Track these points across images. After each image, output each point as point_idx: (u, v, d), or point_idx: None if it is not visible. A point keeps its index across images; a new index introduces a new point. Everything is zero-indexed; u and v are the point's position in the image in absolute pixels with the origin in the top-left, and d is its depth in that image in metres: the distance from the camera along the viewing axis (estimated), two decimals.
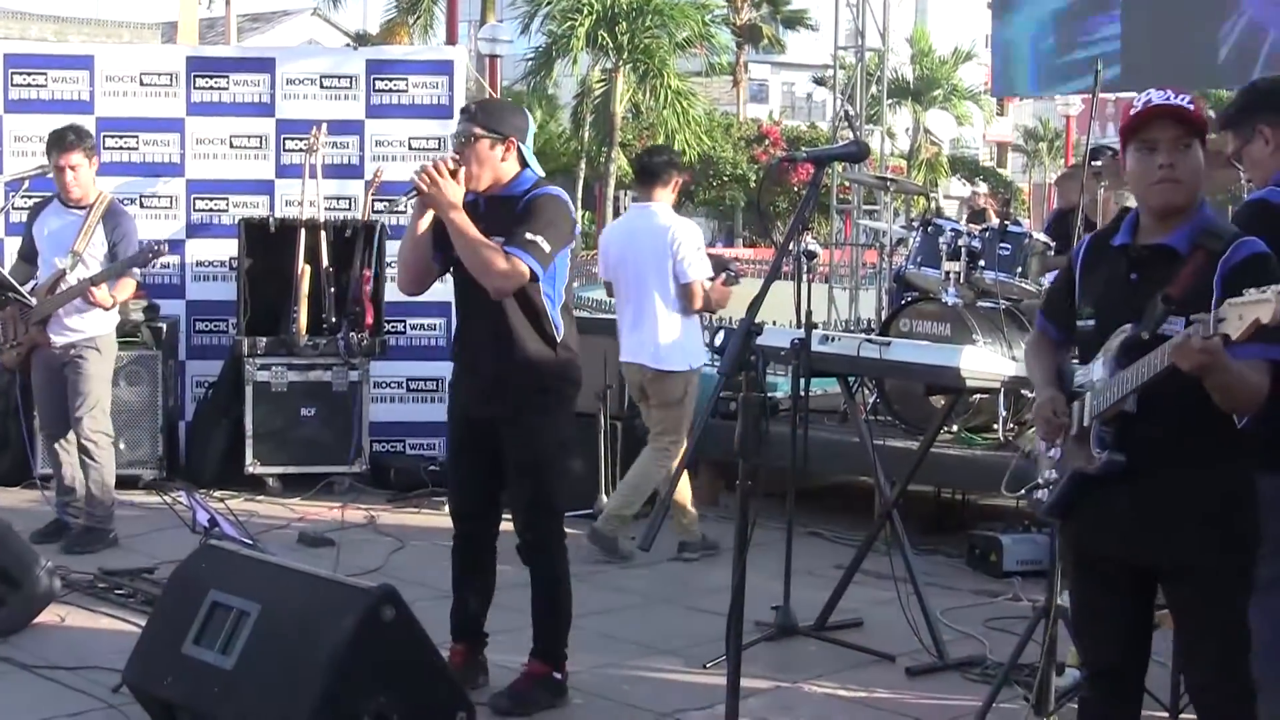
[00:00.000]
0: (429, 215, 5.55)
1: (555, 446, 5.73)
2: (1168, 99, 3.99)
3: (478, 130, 5.54)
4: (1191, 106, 3.99)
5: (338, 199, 10.45)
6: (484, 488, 5.78)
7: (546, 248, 5.48)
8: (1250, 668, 4.09)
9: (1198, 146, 4.00)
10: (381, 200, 10.14)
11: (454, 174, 5.44)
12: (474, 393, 5.71)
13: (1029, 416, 8.62)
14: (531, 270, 5.44)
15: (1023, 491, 4.43)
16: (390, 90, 10.58)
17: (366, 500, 9.42)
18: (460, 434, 5.87)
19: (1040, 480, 4.27)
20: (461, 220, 5.42)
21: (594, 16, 34.99)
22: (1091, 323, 4.15)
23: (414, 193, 5.48)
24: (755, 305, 4.09)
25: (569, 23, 35.44)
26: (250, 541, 7.09)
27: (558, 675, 5.75)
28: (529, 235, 5.45)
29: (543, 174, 5.78)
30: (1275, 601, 4.63)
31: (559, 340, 5.67)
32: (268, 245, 9.96)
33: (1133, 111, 4.03)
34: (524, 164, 5.67)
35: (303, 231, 9.90)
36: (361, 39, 41.88)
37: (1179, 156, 3.97)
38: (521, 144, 5.65)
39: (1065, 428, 4.13)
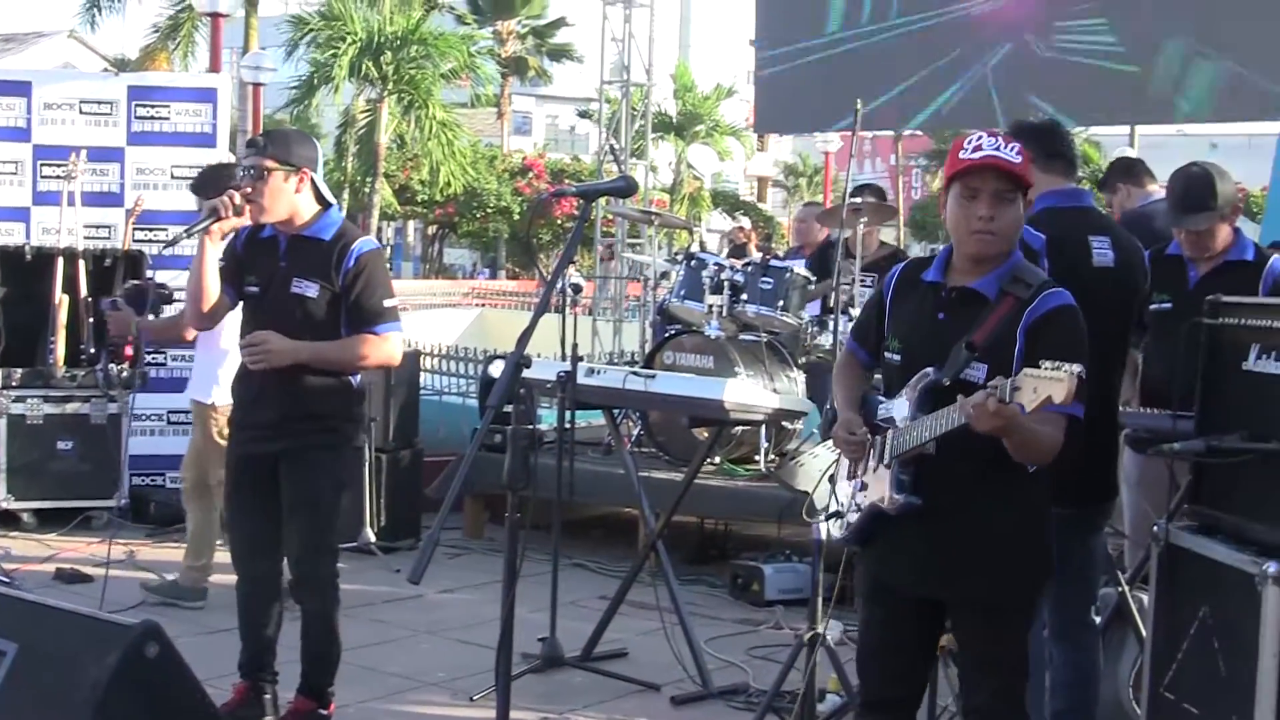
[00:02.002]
0: (221, 246, 5.50)
1: (334, 485, 5.66)
2: (997, 150, 4.03)
3: (269, 163, 5.44)
4: (1019, 159, 4.05)
5: (97, 227, 10.23)
6: (266, 526, 5.65)
7: (393, 303, 5.53)
8: (1025, 695, 4.25)
9: (1020, 200, 4.07)
10: (143, 229, 9.95)
11: (240, 210, 5.40)
12: (257, 429, 5.60)
13: (789, 448, 8.87)
14: (398, 336, 5.58)
15: (822, 518, 4.51)
16: (152, 117, 10.41)
17: (126, 535, 9.20)
18: (240, 471, 5.73)
19: (839, 509, 4.36)
20: (333, 349, 5.45)
21: (358, 46, 34.69)
22: (898, 357, 4.23)
23: (207, 223, 5.41)
24: (525, 337, 4.11)
25: (333, 51, 35.07)
26: (5, 579, 6.90)
27: (324, 712, 5.70)
28: (385, 303, 5.50)
29: (335, 202, 5.73)
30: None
31: (354, 385, 5.65)
32: (24, 274, 9.71)
33: (961, 155, 4.07)
34: (319, 197, 5.60)
35: (60, 260, 9.65)
36: (120, 64, 40.92)
37: (999, 209, 4.04)
38: (313, 174, 5.59)
39: (865, 451, 4.20)
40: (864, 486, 4.24)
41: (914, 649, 4.30)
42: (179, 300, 7.30)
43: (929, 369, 4.05)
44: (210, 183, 7.56)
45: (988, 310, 4.05)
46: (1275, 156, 10.09)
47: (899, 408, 4.13)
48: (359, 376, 5.65)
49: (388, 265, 5.71)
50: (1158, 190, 7.65)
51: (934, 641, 4.35)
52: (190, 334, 7.16)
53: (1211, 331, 4.68)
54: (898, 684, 4.31)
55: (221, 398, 7.09)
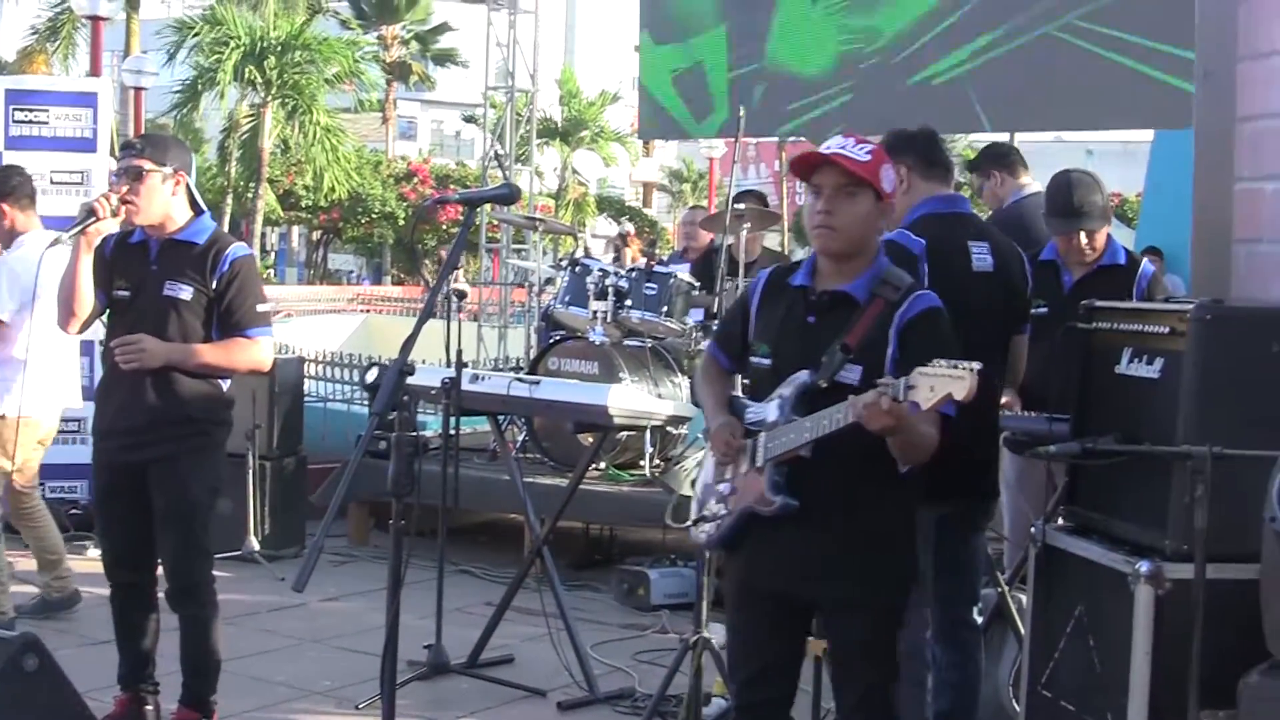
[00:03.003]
0: (94, 247, 5.45)
1: (208, 490, 5.61)
2: (843, 149, 4.11)
3: (146, 164, 5.42)
4: (865, 158, 4.10)
5: None
6: (137, 534, 5.57)
7: (265, 309, 5.54)
8: (894, 697, 4.30)
9: (866, 195, 4.10)
10: None
11: (117, 210, 5.35)
12: (125, 436, 5.53)
13: (674, 453, 8.91)
14: (269, 339, 5.60)
15: (689, 523, 4.50)
16: (30, 121, 10.23)
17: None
18: (108, 480, 5.65)
19: (707, 513, 4.35)
20: (206, 351, 5.43)
21: (242, 50, 34.37)
22: (767, 361, 4.25)
23: (85, 224, 5.36)
24: (408, 345, 4.10)
25: (216, 56, 34.73)
26: None
27: None
28: (258, 308, 5.52)
29: (208, 211, 5.71)
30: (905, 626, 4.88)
31: (224, 389, 5.62)
32: None
33: (799, 154, 4.17)
34: (193, 202, 5.58)
35: None
36: None
37: (838, 204, 4.10)
38: (187, 178, 5.58)
39: (739, 456, 4.22)
40: (734, 490, 4.26)
41: (783, 651, 4.33)
42: None
43: (803, 372, 4.08)
44: None
45: (858, 313, 4.09)
46: (1149, 163, 10.27)
47: (770, 411, 4.15)
48: (228, 381, 5.63)
49: (261, 271, 5.69)
50: (1031, 183, 7.72)
51: (802, 642, 4.37)
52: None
53: (1085, 335, 4.77)
54: (768, 686, 4.33)
55: (10, 409, 7.00)
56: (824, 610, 4.25)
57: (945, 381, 3.62)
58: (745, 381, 4.49)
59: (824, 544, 4.11)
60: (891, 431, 3.82)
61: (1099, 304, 4.82)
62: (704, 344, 8.98)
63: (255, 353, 5.53)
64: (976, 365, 3.62)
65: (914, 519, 4.26)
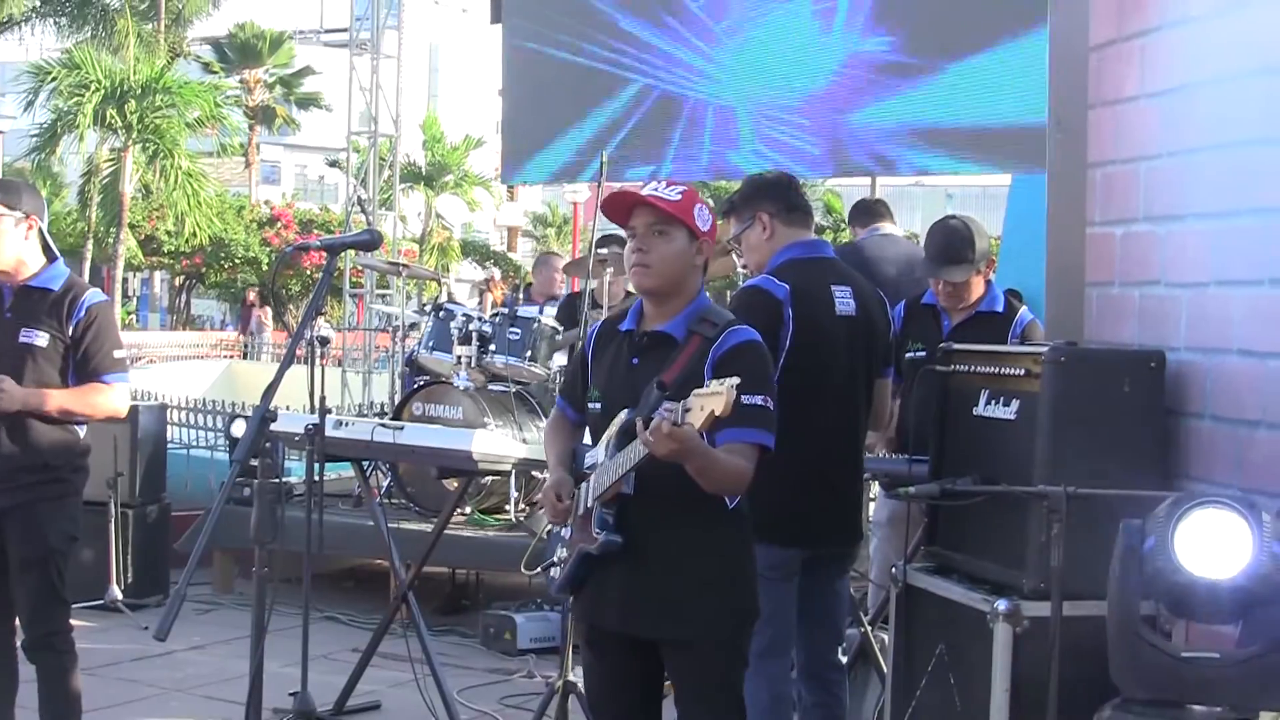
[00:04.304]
0: None
1: (65, 538, 5.50)
2: (655, 191, 4.19)
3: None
4: (677, 196, 4.18)
5: None
6: None
7: (122, 355, 5.47)
8: None
9: (679, 234, 4.17)
10: None
11: None
12: None
13: (539, 497, 8.90)
14: (125, 386, 5.49)
15: (539, 569, 4.53)
16: None
17: None
18: None
19: (555, 559, 4.37)
20: (63, 397, 5.35)
21: (102, 94, 33.89)
22: (599, 405, 4.29)
23: None
24: (270, 391, 4.08)
25: (76, 99, 34.23)
26: None
27: None
28: (115, 354, 5.44)
29: (60, 257, 5.63)
30: (771, 666, 4.91)
31: (81, 437, 5.53)
32: None
33: (610, 194, 4.25)
34: (45, 247, 5.50)
35: None
36: None
37: (651, 242, 4.17)
38: (40, 224, 5.50)
39: (571, 510, 4.24)
40: (572, 534, 4.29)
41: (636, 689, 4.33)
42: None
43: (624, 411, 4.12)
44: None
45: (677, 351, 4.15)
46: (1007, 206, 10.45)
47: (599, 453, 4.20)
48: (84, 428, 5.55)
49: (123, 317, 5.61)
50: (888, 226, 8.00)
51: (657, 679, 4.35)
52: None
53: (943, 378, 4.84)
54: None
55: None
56: (661, 649, 4.24)
57: (710, 399, 3.66)
58: None
59: (651, 581, 4.12)
60: (681, 457, 3.82)
61: (956, 346, 4.89)
62: None
63: (112, 398, 5.46)
64: (735, 380, 3.66)
65: (748, 553, 4.26)
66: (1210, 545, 3.53)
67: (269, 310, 36.66)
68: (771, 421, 4.07)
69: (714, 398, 3.66)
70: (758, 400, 4.02)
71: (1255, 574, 3.49)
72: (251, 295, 37.66)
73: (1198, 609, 3.65)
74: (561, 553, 4.35)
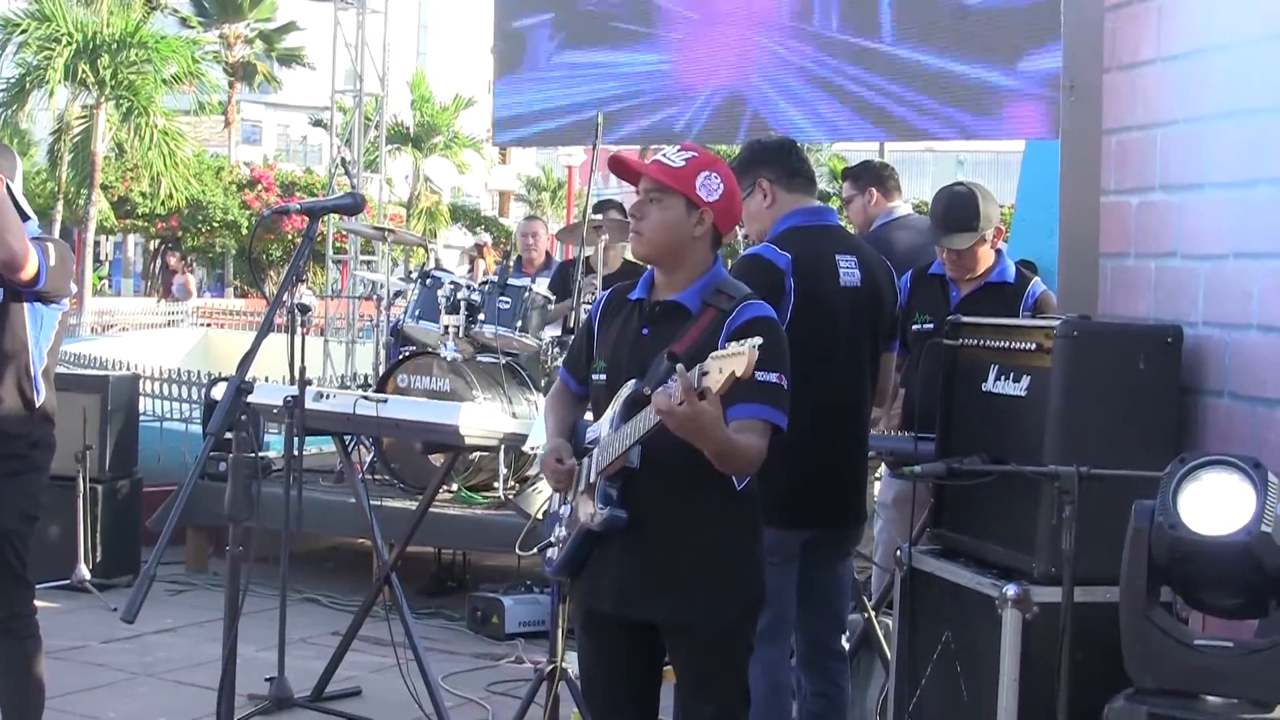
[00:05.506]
0: None
1: (23, 515, 5.29)
2: (660, 155, 4.12)
3: None
4: (680, 163, 4.08)
5: None
6: None
7: (53, 261, 5.10)
8: None
9: (674, 203, 4.07)
10: None
11: None
12: None
13: (529, 474, 8.75)
14: (39, 267, 5.01)
15: (534, 550, 4.40)
16: None
17: None
18: None
19: (552, 539, 4.25)
20: None
21: (74, 48, 33.53)
22: (603, 376, 4.18)
23: None
24: (247, 361, 3.95)
25: (46, 53, 33.87)
26: None
27: None
28: (53, 260, 5.09)
29: (35, 217, 5.41)
30: (769, 653, 4.78)
31: (38, 405, 5.32)
32: None
33: (613, 155, 4.20)
34: (19, 208, 5.28)
35: None
36: None
37: (645, 209, 4.11)
38: (10, 183, 5.27)
39: (573, 477, 4.12)
40: (572, 512, 4.17)
41: (634, 677, 4.23)
42: None
43: (631, 381, 4.01)
44: None
45: (690, 322, 4.05)
46: (1021, 174, 10.29)
47: (603, 426, 4.08)
48: (43, 393, 5.32)
49: (72, 260, 5.37)
50: (901, 205, 7.74)
51: (655, 666, 4.25)
52: None
53: (952, 352, 4.73)
54: (623, 714, 4.25)
55: None
56: (663, 633, 4.14)
57: (731, 360, 3.55)
58: None
59: (654, 561, 4.01)
60: (694, 430, 3.68)
61: (965, 319, 4.81)
62: (560, 360, 8.88)
63: (26, 243, 5.01)
64: (758, 340, 3.55)
65: (756, 536, 4.14)
66: (1213, 504, 3.51)
67: (191, 277, 36.40)
68: (785, 402, 3.96)
69: (734, 359, 3.53)
70: (772, 378, 3.92)
71: (1255, 532, 3.45)
72: (173, 260, 37.44)
73: (1200, 570, 3.58)
74: (560, 532, 4.22)
